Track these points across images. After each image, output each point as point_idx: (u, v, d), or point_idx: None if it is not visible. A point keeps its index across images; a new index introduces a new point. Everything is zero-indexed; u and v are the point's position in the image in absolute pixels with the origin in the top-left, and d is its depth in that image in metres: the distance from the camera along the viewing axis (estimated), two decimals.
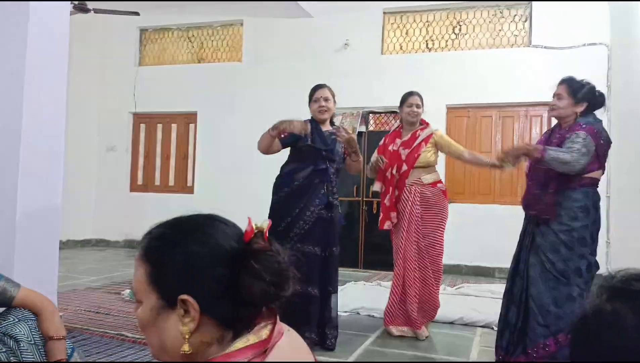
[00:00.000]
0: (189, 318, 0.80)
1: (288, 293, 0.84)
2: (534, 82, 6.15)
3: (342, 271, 3.30)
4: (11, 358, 1.52)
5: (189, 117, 8.01)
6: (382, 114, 7.08)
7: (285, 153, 3.25)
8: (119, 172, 8.23)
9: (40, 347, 1.59)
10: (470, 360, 3.01)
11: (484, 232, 6.28)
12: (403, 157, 3.49)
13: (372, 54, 7.07)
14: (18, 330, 1.57)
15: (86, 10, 5.59)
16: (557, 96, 2.67)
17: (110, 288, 4.75)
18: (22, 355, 1.54)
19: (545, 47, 6.40)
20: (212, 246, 0.83)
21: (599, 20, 6.22)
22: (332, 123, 3.34)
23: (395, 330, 3.44)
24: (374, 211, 6.66)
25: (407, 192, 3.46)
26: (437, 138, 3.55)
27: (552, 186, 2.60)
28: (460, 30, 6.93)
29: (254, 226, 0.85)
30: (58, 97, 2.81)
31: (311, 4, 7.04)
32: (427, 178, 3.49)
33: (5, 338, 1.55)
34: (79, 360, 1.71)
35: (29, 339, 1.57)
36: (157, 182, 8.18)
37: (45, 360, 1.58)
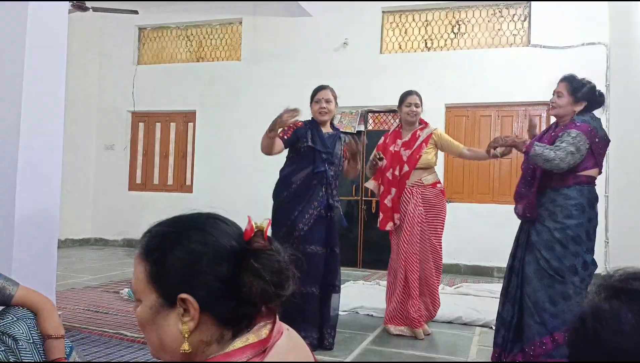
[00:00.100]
0: (189, 317, 0.80)
1: (288, 292, 0.84)
2: (533, 81, 6.16)
3: (341, 271, 3.31)
4: (10, 357, 1.52)
5: (188, 116, 8.00)
6: (381, 113, 7.08)
7: (283, 154, 3.24)
8: (117, 171, 8.22)
9: (38, 346, 1.59)
10: (469, 360, 3.02)
11: (483, 231, 6.29)
12: (404, 158, 3.49)
13: (371, 53, 7.07)
14: (17, 329, 1.57)
15: (85, 9, 5.57)
16: (557, 93, 2.67)
17: (108, 287, 4.74)
18: (21, 354, 1.54)
19: (544, 47, 6.40)
20: (212, 245, 0.83)
21: (597, 20, 6.22)
22: (331, 124, 3.33)
23: (393, 329, 3.44)
24: (373, 211, 6.66)
25: (408, 193, 3.47)
26: (437, 137, 3.56)
27: (535, 184, 2.61)
28: (459, 29, 6.93)
29: (254, 225, 0.85)
30: (56, 95, 2.81)
31: (310, 3, 7.04)
32: (428, 179, 3.50)
33: (4, 337, 1.55)
34: (77, 359, 1.71)
35: (28, 338, 1.57)
36: (156, 181, 8.18)
37: (43, 359, 1.58)
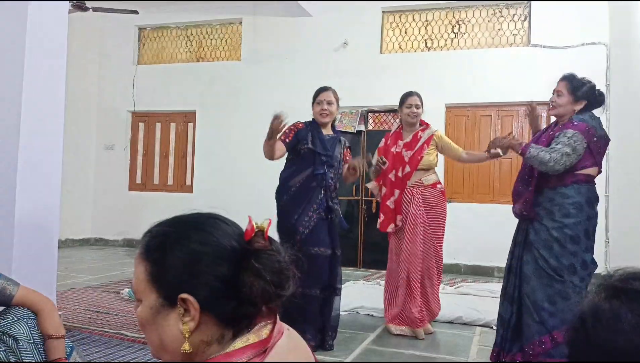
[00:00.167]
0: (189, 317, 0.80)
1: (288, 293, 0.84)
2: (533, 81, 6.15)
3: (342, 271, 3.31)
4: (10, 357, 1.52)
5: (188, 116, 8.00)
6: (381, 113, 7.08)
7: (284, 156, 3.23)
8: (117, 171, 8.22)
9: (39, 346, 1.59)
10: (470, 360, 3.02)
11: (483, 231, 6.29)
12: (406, 159, 3.49)
13: (371, 53, 7.07)
14: (17, 329, 1.57)
15: (85, 9, 5.57)
16: (557, 92, 2.68)
17: (109, 287, 4.75)
18: (21, 354, 1.54)
19: (544, 47, 6.40)
20: (212, 245, 0.83)
21: (597, 20, 6.22)
22: (332, 127, 3.31)
23: (394, 328, 3.45)
24: (373, 211, 6.66)
25: (408, 194, 3.47)
26: (438, 139, 3.58)
27: (532, 183, 2.62)
28: (459, 29, 6.93)
29: (255, 225, 0.85)
30: (56, 95, 2.81)
31: (310, 3, 7.04)
32: (428, 180, 3.50)
33: (5, 337, 1.55)
34: (78, 359, 1.71)
35: (28, 338, 1.57)
36: (156, 181, 8.18)
37: (44, 359, 1.58)
